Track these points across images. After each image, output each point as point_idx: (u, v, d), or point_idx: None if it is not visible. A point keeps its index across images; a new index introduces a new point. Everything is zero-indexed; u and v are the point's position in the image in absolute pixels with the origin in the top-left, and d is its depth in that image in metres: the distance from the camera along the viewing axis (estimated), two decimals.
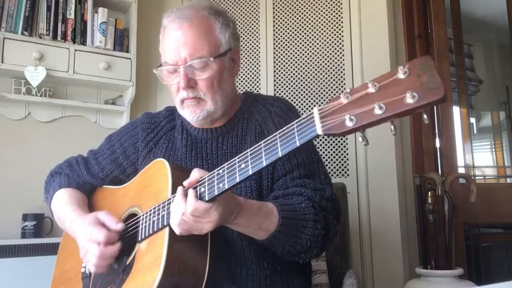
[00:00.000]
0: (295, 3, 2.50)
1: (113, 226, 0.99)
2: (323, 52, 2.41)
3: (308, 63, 2.43)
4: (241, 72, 2.51)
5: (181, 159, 1.11)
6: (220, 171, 0.82)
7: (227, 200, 0.84)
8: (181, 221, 0.83)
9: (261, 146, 0.76)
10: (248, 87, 2.50)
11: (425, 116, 0.62)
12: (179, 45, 1.01)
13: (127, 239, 1.01)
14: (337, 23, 2.42)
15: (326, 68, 2.40)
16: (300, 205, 0.97)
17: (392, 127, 0.65)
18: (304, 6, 2.48)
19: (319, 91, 2.39)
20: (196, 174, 0.85)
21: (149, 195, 1.02)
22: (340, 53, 2.39)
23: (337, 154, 2.31)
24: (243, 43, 2.54)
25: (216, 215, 0.81)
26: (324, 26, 2.44)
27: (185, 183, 0.85)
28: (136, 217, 1.01)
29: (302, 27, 2.47)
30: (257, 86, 2.48)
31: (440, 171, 2.39)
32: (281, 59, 2.47)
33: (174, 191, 0.92)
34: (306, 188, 1.02)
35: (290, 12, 2.50)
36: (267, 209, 0.92)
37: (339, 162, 2.30)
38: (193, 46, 1.00)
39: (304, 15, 2.48)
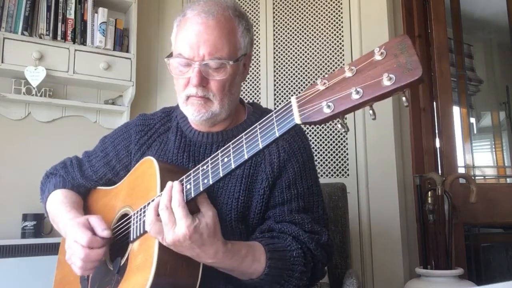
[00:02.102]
0: (295, 3, 2.50)
1: (99, 232, 0.97)
2: (323, 52, 2.41)
3: (308, 63, 2.43)
4: None
5: (172, 160, 1.09)
6: (205, 166, 0.81)
7: (209, 225, 0.83)
8: (154, 218, 0.84)
9: (243, 138, 0.75)
10: (248, 87, 2.50)
11: (404, 98, 0.59)
12: (199, 40, 0.96)
13: (120, 239, 1.01)
14: (337, 23, 2.42)
15: (326, 68, 2.40)
16: (291, 253, 0.94)
17: (370, 111, 0.62)
18: (304, 6, 2.48)
19: None
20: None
21: (139, 194, 1.00)
22: (340, 53, 2.39)
23: (337, 154, 2.31)
24: None
25: (184, 230, 0.80)
26: (324, 26, 2.44)
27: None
28: (128, 217, 1.01)
29: (302, 27, 2.47)
30: (257, 86, 2.48)
31: (440, 171, 2.39)
32: (281, 59, 2.47)
33: (162, 189, 0.90)
34: (303, 229, 0.99)
35: (290, 12, 2.50)
36: (254, 256, 0.90)
37: (339, 162, 2.30)
38: (214, 45, 0.96)
39: (304, 15, 2.48)
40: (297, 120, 0.67)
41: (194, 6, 1.01)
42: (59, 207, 1.13)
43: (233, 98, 1.04)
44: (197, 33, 0.97)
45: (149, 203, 0.92)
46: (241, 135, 0.76)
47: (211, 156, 0.81)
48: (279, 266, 0.91)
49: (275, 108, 2.42)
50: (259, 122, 0.73)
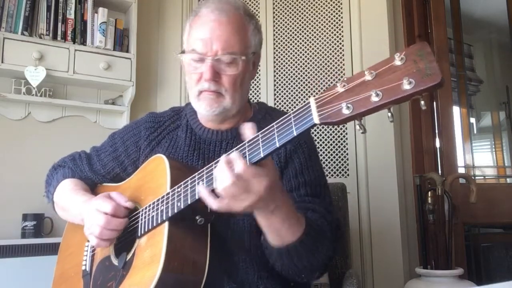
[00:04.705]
0: (295, 3, 2.50)
1: (122, 202, 0.99)
2: (323, 52, 2.41)
3: (308, 63, 2.43)
4: None
5: (182, 158, 1.11)
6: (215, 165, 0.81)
7: (275, 178, 0.78)
8: (224, 190, 0.76)
9: (259, 137, 0.76)
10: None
11: (422, 102, 0.61)
12: (213, 36, 1.00)
13: (127, 235, 1.01)
14: (337, 23, 2.42)
15: (326, 68, 2.40)
16: (317, 222, 0.93)
17: (389, 114, 0.64)
18: (304, 6, 2.48)
19: (319, 91, 2.39)
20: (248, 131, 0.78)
21: (148, 191, 1.02)
22: (340, 53, 2.39)
23: (337, 154, 2.31)
24: None
25: (264, 184, 0.75)
26: (324, 26, 2.44)
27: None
28: (136, 213, 1.01)
29: (302, 27, 2.47)
30: (257, 86, 2.48)
31: (440, 171, 2.39)
32: (281, 59, 2.47)
33: (172, 186, 0.92)
34: (318, 206, 0.99)
35: (290, 12, 2.50)
36: (298, 214, 0.87)
37: (339, 162, 2.30)
38: (227, 40, 1.00)
39: (304, 15, 2.48)
40: (316, 120, 0.67)
41: (208, 4, 1.05)
42: (71, 193, 1.15)
43: (243, 94, 1.07)
44: (210, 29, 1.01)
45: (158, 199, 0.93)
46: (257, 134, 0.76)
47: (226, 154, 0.80)
48: (315, 228, 0.90)
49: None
50: (276, 122, 0.74)
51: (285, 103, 2.43)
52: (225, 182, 0.76)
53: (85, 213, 1.02)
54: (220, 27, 1.00)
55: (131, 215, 1.03)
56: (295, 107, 2.38)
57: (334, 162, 2.31)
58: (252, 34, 1.06)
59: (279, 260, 0.91)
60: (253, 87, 2.49)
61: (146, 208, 0.97)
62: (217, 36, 1.00)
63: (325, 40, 2.42)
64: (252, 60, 1.08)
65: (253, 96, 2.48)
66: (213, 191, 0.81)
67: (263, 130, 0.76)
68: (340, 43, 2.40)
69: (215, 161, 0.82)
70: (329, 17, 2.44)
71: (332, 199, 1.09)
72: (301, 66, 2.44)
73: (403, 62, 0.62)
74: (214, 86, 1.02)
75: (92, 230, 0.98)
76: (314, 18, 2.46)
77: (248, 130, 0.78)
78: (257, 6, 2.56)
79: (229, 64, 1.01)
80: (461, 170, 2.52)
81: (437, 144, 2.44)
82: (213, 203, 0.79)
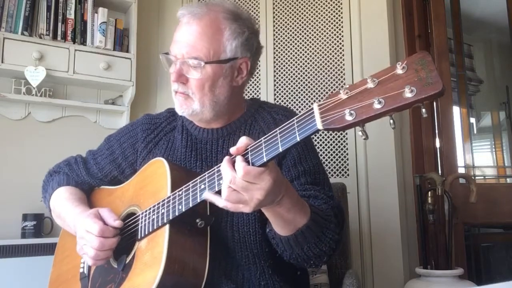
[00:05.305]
0: (295, 3, 2.50)
1: (110, 222, 0.99)
2: (323, 52, 2.41)
3: (308, 63, 2.43)
4: None
5: (180, 159, 1.11)
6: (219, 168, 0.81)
7: (278, 171, 0.79)
8: (229, 192, 0.76)
9: (261, 142, 0.76)
10: (248, 87, 2.49)
11: (423, 110, 0.63)
12: (181, 40, 1.02)
13: (126, 237, 1.01)
14: (337, 23, 2.42)
15: (326, 68, 2.39)
16: (321, 207, 0.94)
17: (391, 121, 0.65)
18: (304, 6, 2.48)
19: (319, 91, 2.39)
20: (245, 140, 0.79)
21: (148, 194, 1.02)
22: (340, 53, 2.39)
23: (337, 154, 2.31)
24: None
25: (269, 180, 0.75)
26: (324, 26, 2.44)
27: (232, 150, 0.78)
28: (135, 216, 1.02)
29: (302, 27, 2.47)
30: (257, 86, 2.48)
31: (440, 171, 2.39)
32: (281, 59, 2.47)
33: (173, 189, 0.92)
34: (319, 193, 1.00)
35: (290, 12, 2.50)
36: (303, 201, 0.88)
37: (339, 162, 2.30)
38: (193, 45, 1.01)
39: (304, 15, 2.48)
40: (319, 126, 0.68)
41: (185, 7, 1.06)
42: (66, 203, 1.15)
43: (216, 100, 1.05)
44: (181, 33, 1.03)
45: (159, 203, 0.93)
46: (260, 139, 0.76)
47: (227, 159, 0.80)
48: (319, 214, 0.91)
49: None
50: (279, 127, 0.74)
51: (285, 103, 2.43)
52: (228, 188, 0.77)
53: (77, 230, 1.03)
54: (189, 31, 1.02)
55: (131, 218, 1.03)
56: (295, 107, 2.40)
57: (334, 162, 2.31)
58: (228, 39, 1.03)
59: (288, 249, 0.91)
60: (253, 87, 2.49)
61: (146, 211, 0.97)
62: (185, 40, 1.02)
63: (325, 40, 2.42)
64: (230, 65, 1.05)
65: (253, 96, 2.48)
66: (217, 193, 0.81)
67: (266, 136, 0.76)
68: (340, 43, 2.40)
69: (217, 166, 0.83)
70: (329, 17, 2.44)
71: (331, 186, 1.10)
72: (301, 66, 2.44)
73: (404, 70, 0.63)
74: (182, 88, 1.04)
75: (86, 251, 0.99)
76: (314, 18, 2.46)
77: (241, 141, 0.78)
78: (257, 6, 2.56)
79: (195, 68, 1.01)
80: (461, 170, 2.52)
81: (437, 144, 2.44)
82: (220, 203, 0.80)
